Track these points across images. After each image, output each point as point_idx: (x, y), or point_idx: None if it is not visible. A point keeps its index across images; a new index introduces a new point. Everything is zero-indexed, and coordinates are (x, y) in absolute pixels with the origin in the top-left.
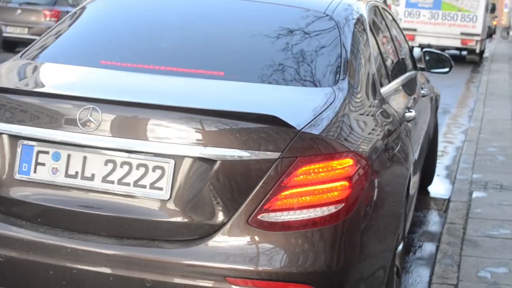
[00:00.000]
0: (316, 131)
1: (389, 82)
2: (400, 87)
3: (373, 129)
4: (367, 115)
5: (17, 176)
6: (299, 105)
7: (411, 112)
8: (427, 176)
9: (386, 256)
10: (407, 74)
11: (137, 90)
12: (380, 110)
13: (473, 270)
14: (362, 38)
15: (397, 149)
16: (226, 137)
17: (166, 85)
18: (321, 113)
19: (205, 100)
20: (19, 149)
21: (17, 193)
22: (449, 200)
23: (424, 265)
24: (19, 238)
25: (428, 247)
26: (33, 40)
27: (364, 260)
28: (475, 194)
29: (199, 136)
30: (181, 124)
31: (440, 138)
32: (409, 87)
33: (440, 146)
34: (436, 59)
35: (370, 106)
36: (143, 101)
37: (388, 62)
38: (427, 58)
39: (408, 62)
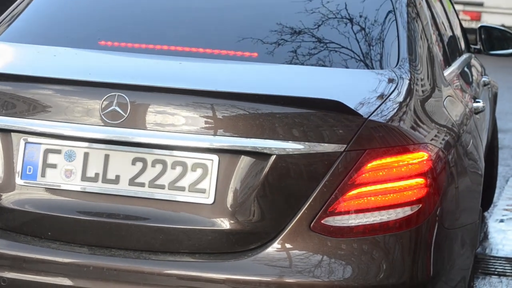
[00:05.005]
0: (384, 119)
1: (449, 65)
2: (460, 72)
3: (444, 119)
4: (436, 101)
5: (20, 181)
6: (358, 89)
7: (478, 102)
8: (485, 195)
9: (465, 270)
10: (464, 56)
11: (166, 74)
12: (447, 97)
13: None
14: (421, 14)
15: (470, 144)
16: (281, 128)
17: (197, 68)
18: (386, 98)
19: (249, 85)
20: (21, 148)
21: (20, 202)
22: None
23: None
24: (25, 257)
25: None
26: None
27: (448, 272)
28: None
29: (249, 126)
30: (226, 113)
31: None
32: (469, 73)
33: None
34: (498, 37)
35: (436, 92)
36: (181, 87)
37: (446, 43)
38: (483, 36)
39: (462, 42)
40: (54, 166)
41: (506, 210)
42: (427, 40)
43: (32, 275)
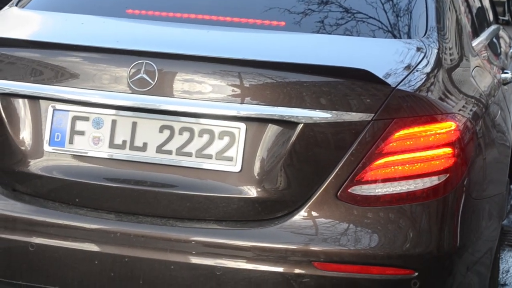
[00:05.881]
0: (412, 88)
1: (477, 36)
2: (488, 43)
3: (472, 89)
4: (464, 71)
5: (48, 148)
6: (386, 59)
7: (507, 73)
8: None
9: (491, 242)
10: (492, 28)
11: (193, 42)
12: (475, 67)
13: None
14: None
15: (498, 115)
16: (308, 96)
17: (225, 37)
18: (414, 68)
19: (277, 53)
20: (49, 115)
21: (48, 169)
22: None
23: None
24: (53, 223)
25: None
26: None
27: (474, 242)
28: None
29: (276, 95)
30: (253, 81)
31: None
32: (497, 44)
33: None
34: None
35: (464, 62)
36: (208, 55)
37: (474, 14)
38: (511, 7)
39: (490, 14)
40: (82, 133)
41: None
42: (456, 10)
43: (59, 240)
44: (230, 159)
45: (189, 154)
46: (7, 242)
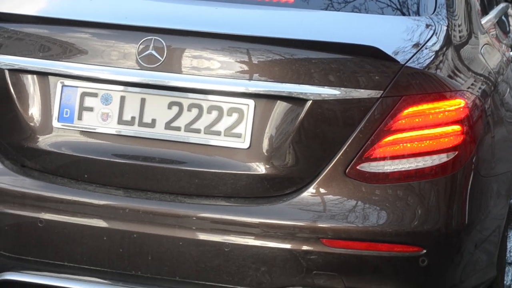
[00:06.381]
0: (421, 66)
1: (486, 14)
2: (497, 21)
3: (481, 67)
4: (472, 49)
5: (57, 124)
6: (395, 36)
7: None
8: None
9: (499, 220)
10: (501, 6)
11: (202, 19)
12: (484, 45)
13: None
14: None
15: (507, 94)
16: (317, 73)
17: (234, 14)
18: (424, 45)
19: (286, 30)
20: (58, 91)
21: (57, 145)
22: None
23: None
24: (62, 199)
25: None
26: None
27: (482, 220)
28: None
29: (285, 71)
30: (262, 58)
31: None
32: (506, 22)
33: None
34: None
35: (473, 39)
36: (217, 31)
37: None
38: None
39: None
40: (90, 109)
41: None
42: None
43: (68, 216)
44: (238, 135)
45: (197, 131)
46: (16, 218)
